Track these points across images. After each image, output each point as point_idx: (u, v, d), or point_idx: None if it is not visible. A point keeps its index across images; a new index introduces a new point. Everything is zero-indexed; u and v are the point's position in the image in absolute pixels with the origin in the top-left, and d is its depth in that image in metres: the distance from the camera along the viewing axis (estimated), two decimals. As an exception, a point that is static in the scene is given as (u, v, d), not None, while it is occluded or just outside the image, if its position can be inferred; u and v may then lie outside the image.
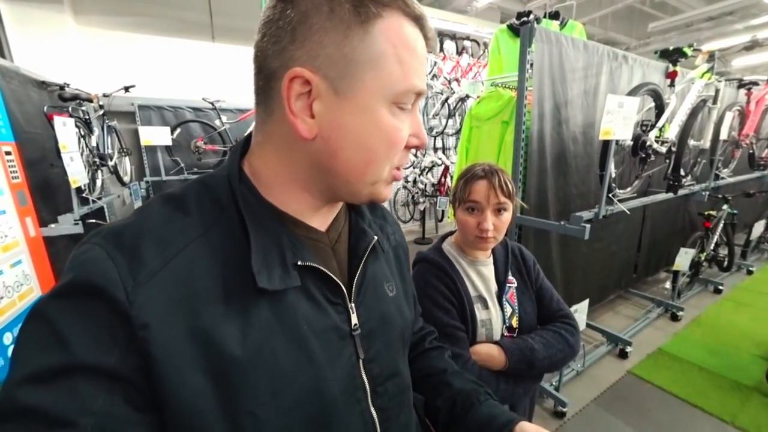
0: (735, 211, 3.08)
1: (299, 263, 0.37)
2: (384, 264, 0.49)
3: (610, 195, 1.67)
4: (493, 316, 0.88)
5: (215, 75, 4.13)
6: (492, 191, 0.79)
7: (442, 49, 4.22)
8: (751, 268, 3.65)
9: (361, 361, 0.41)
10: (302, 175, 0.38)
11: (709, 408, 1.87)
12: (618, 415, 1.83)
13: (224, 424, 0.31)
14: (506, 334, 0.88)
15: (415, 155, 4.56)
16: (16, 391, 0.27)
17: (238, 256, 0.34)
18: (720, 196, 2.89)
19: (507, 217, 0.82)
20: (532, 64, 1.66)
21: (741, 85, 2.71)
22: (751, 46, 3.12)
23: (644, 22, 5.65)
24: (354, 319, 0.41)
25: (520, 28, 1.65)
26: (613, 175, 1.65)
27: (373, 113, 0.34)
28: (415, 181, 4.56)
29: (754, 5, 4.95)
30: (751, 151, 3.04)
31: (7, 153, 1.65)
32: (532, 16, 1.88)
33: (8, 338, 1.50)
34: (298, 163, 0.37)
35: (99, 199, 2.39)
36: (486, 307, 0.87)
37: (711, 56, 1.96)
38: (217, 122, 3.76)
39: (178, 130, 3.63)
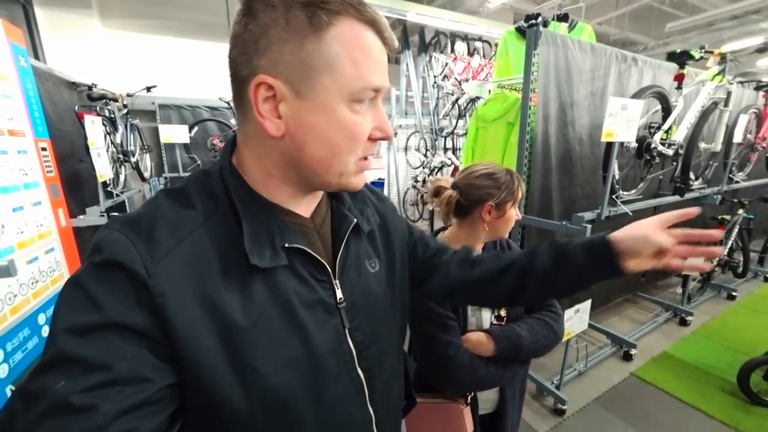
0: (751, 216, 3.01)
1: (286, 245, 0.42)
2: (366, 243, 0.53)
3: (614, 196, 1.69)
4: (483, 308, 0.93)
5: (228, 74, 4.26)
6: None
7: (453, 50, 4.24)
8: (767, 275, 3.56)
9: (347, 330, 0.46)
10: (278, 168, 0.42)
11: (713, 412, 1.86)
12: (619, 415, 1.85)
13: (233, 377, 0.37)
14: (495, 322, 0.93)
15: (425, 155, 4.61)
16: (59, 344, 0.32)
17: (233, 239, 0.40)
18: (735, 200, 2.84)
19: None
20: (537, 67, 1.69)
21: (759, 86, 2.65)
22: (765, 48, 3.02)
23: (663, 22, 5.52)
24: (339, 294, 0.46)
25: (526, 31, 1.69)
26: (617, 177, 1.66)
27: (333, 111, 0.38)
28: (424, 181, 4.60)
29: (780, 4, 4.76)
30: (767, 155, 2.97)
31: (43, 149, 1.79)
32: (539, 19, 1.91)
33: (42, 318, 1.63)
34: (273, 158, 0.42)
35: (122, 193, 2.53)
36: (478, 298, 0.93)
37: (723, 58, 1.94)
38: (233, 121, 3.89)
39: (196, 129, 3.77)
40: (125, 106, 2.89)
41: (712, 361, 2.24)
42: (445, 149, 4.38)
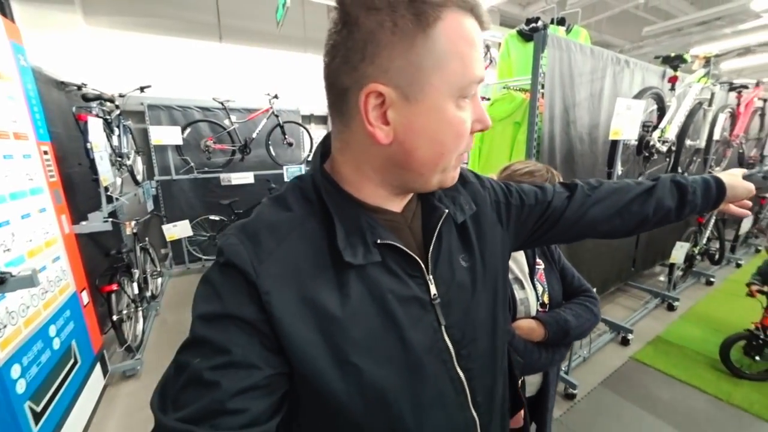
0: (726, 207, 3.25)
1: (378, 241, 0.42)
2: (458, 236, 0.51)
3: (617, 191, 1.80)
4: (529, 295, 0.99)
5: (223, 75, 4.17)
6: None
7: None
8: (740, 262, 3.85)
9: (443, 327, 0.45)
10: (378, 174, 0.43)
11: (706, 388, 2.01)
12: (624, 395, 1.97)
13: (335, 369, 0.39)
14: (540, 309, 0.99)
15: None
16: (197, 327, 0.38)
17: (328, 238, 0.42)
18: (712, 192, 3.06)
19: None
20: (545, 69, 1.77)
21: (732, 88, 2.87)
22: (745, 53, 3.28)
23: (639, 26, 5.84)
24: (433, 290, 0.45)
25: (534, 35, 1.76)
26: (620, 173, 1.77)
27: (442, 110, 0.37)
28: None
29: (742, 12, 5.16)
30: (741, 151, 3.22)
31: (45, 152, 1.71)
32: (540, 23, 2.00)
33: (53, 330, 1.56)
34: (375, 164, 0.42)
35: (120, 197, 2.44)
36: (522, 287, 0.98)
37: (707, 61, 2.10)
38: (227, 122, 3.81)
39: (188, 130, 3.67)
40: (117, 107, 2.78)
41: (700, 343, 2.42)
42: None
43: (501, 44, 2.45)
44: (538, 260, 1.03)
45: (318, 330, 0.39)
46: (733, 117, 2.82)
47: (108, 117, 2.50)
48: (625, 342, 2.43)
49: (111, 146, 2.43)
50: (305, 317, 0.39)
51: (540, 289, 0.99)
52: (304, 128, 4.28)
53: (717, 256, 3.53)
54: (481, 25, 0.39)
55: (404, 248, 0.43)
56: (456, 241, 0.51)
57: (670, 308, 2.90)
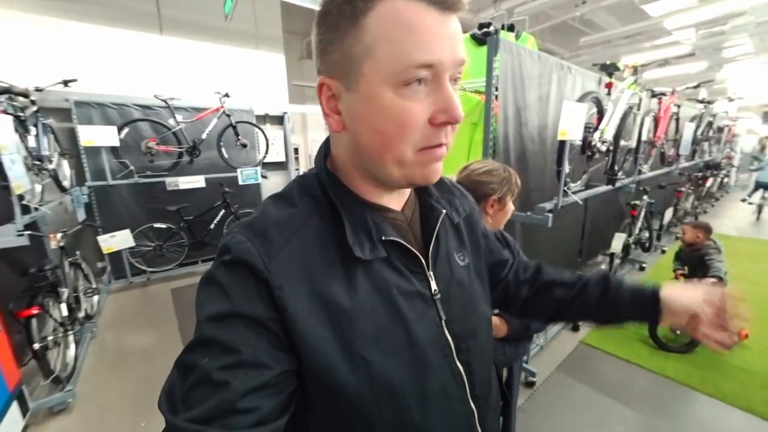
0: (652, 201, 3.67)
1: (383, 238, 0.43)
2: (454, 236, 0.54)
3: (565, 188, 1.93)
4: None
5: (165, 71, 3.84)
6: None
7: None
8: (664, 248, 4.36)
9: (443, 322, 0.47)
10: (353, 164, 0.44)
11: (644, 363, 2.23)
12: (577, 378, 2.12)
13: (344, 364, 0.40)
14: (503, 307, 1.01)
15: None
16: (204, 327, 0.38)
17: (335, 234, 0.43)
18: (641, 188, 3.42)
19: None
20: (498, 72, 1.84)
21: (654, 95, 3.23)
22: (663, 64, 3.71)
23: (576, 37, 6.39)
24: (433, 286, 0.47)
25: (487, 39, 1.83)
26: (567, 171, 1.90)
27: (378, 98, 0.37)
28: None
29: (657, 29, 5.87)
30: (662, 150, 3.63)
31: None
32: (492, 28, 2.08)
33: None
34: (347, 153, 0.44)
35: (40, 206, 2.13)
36: (486, 286, 1.00)
37: (635, 70, 2.34)
38: (171, 121, 3.51)
39: (126, 130, 3.32)
40: (33, 102, 2.43)
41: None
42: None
43: (456, 47, 2.51)
44: (499, 257, 1.05)
45: (329, 324, 0.40)
46: (656, 120, 3.17)
47: (21, 114, 2.17)
48: (575, 328, 2.62)
49: (26, 148, 2.11)
50: (317, 312, 0.39)
51: (502, 285, 1.01)
52: (259, 128, 4.08)
53: (647, 245, 3.96)
54: (433, 2, 0.35)
55: (407, 245, 0.45)
56: (453, 241, 0.54)
57: (612, 294, 3.18)
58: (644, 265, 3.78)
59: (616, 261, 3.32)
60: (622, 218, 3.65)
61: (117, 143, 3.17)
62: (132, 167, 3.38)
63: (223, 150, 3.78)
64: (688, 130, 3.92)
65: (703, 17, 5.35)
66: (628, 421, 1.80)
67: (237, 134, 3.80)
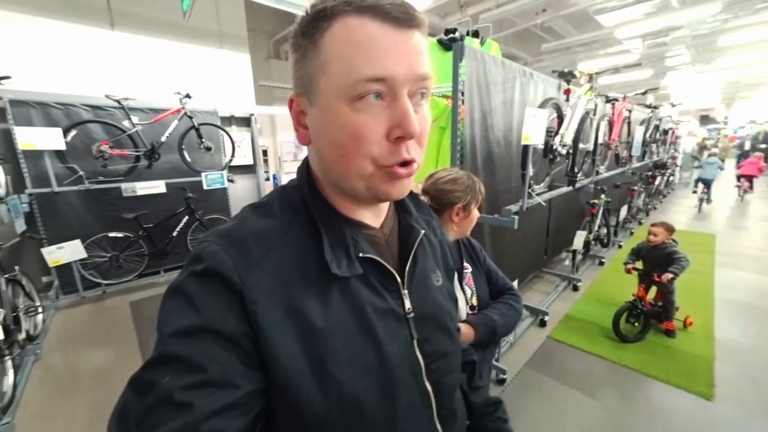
0: (609, 199, 3.91)
1: (360, 255, 0.43)
2: (431, 256, 0.54)
3: (530, 190, 2.00)
4: (459, 300, 1.02)
5: (118, 69, 3.59)
6: None
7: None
8: (620, 243, 4.67)
9: (415, 341, 0.46)
10: (324, 177, 0.45)
11: (604, 354, 2.37)
12: (544, 372, 2.20)
13: (315, 382, 0.39)
14: (469, 312, 1.03)
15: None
16: (167, 343, 0.35)
17: (313, 249, 0.43)
18: (599, 188, 3.64)
19: None
20: (464, 77, 1.88)
21: (608, 100, 3.45)
22: (615, 71, 3.97)
23: (538, 43, 6.70)
24: (407, 304, 0.47)
25: (453, 45, 1.86)
26: (531, 174, 1.98)
27: (334, 113, 0.38)
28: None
29: (610, 38, 6.29)
30: (617, 152, 3.89)
31: None
32: (458, 34, 2.13)
33: None
34: (318, 167, 0.45)
35: (-30, 218, 1.91)
36: (454, 292, 1.01)
37: (590, 77, 2.48)
38: (126, 123, 3.27)
39: (74, 132, 3.05)
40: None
41: (598, 316, 2.84)
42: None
43: (424, 52, 2.55)
44: (465, 264, 1.07)
45: (301, 341, 0.39)
46: (610, 124, 3.39)
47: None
48: (542, 324, 2.73)
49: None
50: (290, 328, 0.39)
51: (469, 292, 1.03)
52: (224, 131, 3.92)
53: (606, 240, 4.22)
54: (387, 19, 0.36)
55: (384, 263, 0.45)
56: (430, 261, 0.54)
57: (575, 288, 3.36)
58: (603, 260, 4.02)
59: (578, 257, 3.50)
60: (582, 217, 3.86)
61: (63, 146, 2.91)
62: (82, 173, 3.12)
63: (186, 153, 3.58)
64: (638, 133, 4.22)
65: (648, 29, 5.81)
66: (590, 410, 1.90)
67: (200, 137, 3.62)
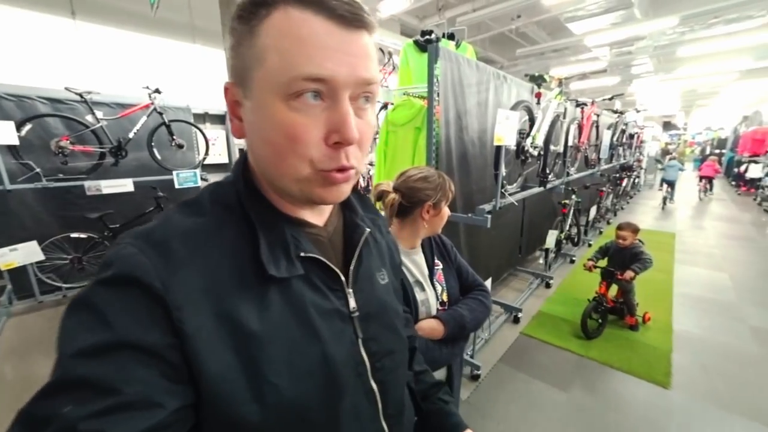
0: (579, 199, 4.08)
1: (302, 255, 0.42)
2: (376, 255, 0.53)
3: (503, 190, 2.06)
4: (429, 296, 1.03)
5: (80, 61, 3.39)
6: None
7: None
8: (590, 242, 4.88)
9: (360, 340, 0.46)
10: (261, 174, 0.42)
11: (573, 348, 2.46)
12: (517, 368, 2.27)
13: (250, 392, 0.36)
14: (440, 308, 1.04)
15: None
16: (69, 365, 0.30)
17: (248, 249, 0.40)
18: (570, 188, 3.79)
19: None
20: (438, 78, 1.91)
21: (578, 104, 3.60)
22: (584, 77, 4.15)
23: (513, 48, 6.90)
24: (352, 303, 0.46)
25: (428, 46, 1.89)
26: (504, 174, 2.03)
27: (268, 108, 0.36)
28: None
29: (579, 45, 6.57)
30: (586, 155, 4.06)
31: None
32: (434, 35, 2.15)
33: None
34: (254, 162, 0.43)
35: None
36: (423, 289, 1.02)
37: (560, 82, 2.58)
38: (89, 118, 3.10)
39: (29, 126, 2.86)
40: None
41: (568, 312, 2.95)
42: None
43: (401, 53, 2.57)
44: (436, 261, 1.08)
45: (235, 349, 0.36)
46: (580, 127, 3.54)
47: None
48: (516, 320, 2.81)
49: None
50: (222, 335, 0.36)
51: (439, 288, 1.04)
52: (197, 128, 3.78)
53: (576, 239, 4.39)
54: (332, 17, 0.34)
55: (327, 262, 0.43)
56: (376, 260, 0.53)
57: (548, 286, 3.48)
58: (574, 258, 4.19)
59: (551, 255, 3.63)
60: (554, 216, 4.01)
61: (16, 141, 2.72)
62: (38, 169, 2.92)
63: (156, 151, 3.43)
64: (606, 137, 4.43)
65: (614, 38, 6.12)
66: (559, 402, 1.97)
67: (171, 134, 3.48)
